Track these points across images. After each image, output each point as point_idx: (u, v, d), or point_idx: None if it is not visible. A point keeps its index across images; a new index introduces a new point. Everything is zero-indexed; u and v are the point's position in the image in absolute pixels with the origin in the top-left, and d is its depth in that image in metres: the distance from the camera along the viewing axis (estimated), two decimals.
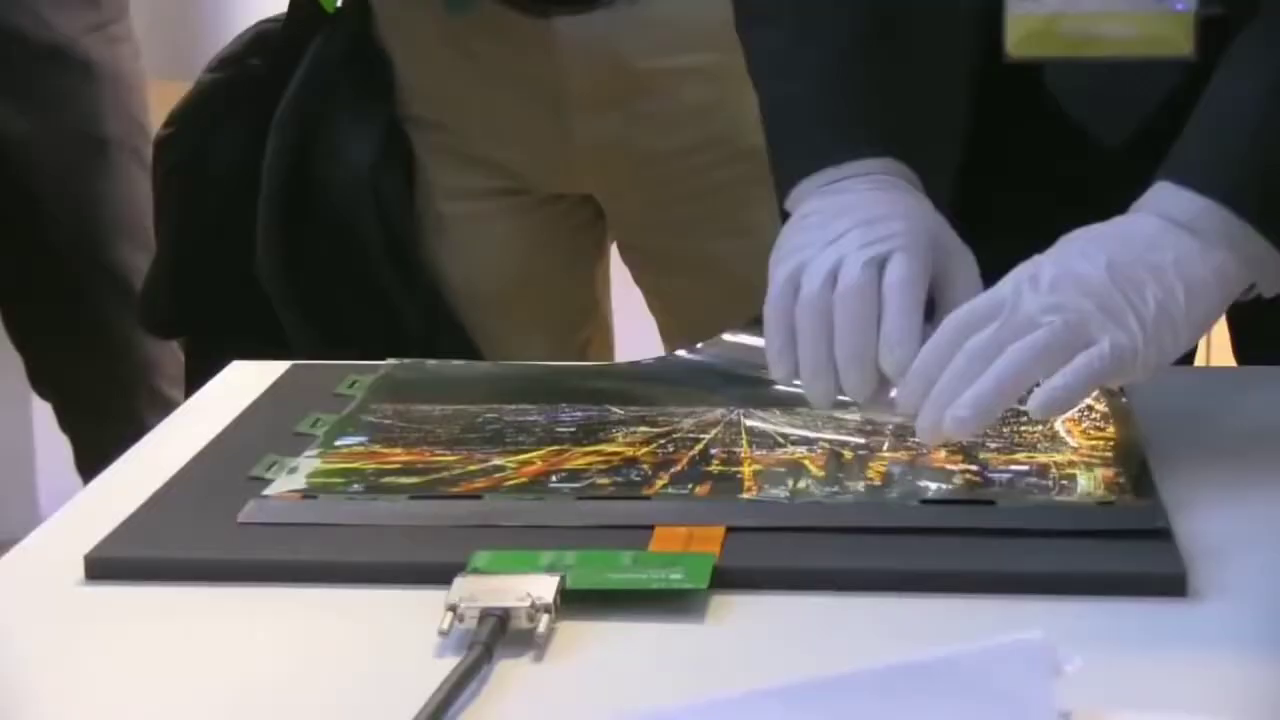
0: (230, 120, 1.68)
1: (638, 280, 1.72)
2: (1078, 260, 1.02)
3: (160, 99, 2.04)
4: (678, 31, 1.42)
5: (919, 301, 1.04)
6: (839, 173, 1.13)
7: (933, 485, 1.04)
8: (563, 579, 0.92)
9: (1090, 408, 1.14)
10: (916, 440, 1.05)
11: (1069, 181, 1.06)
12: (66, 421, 2.20)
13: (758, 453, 1.09)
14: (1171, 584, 0.94)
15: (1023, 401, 1.02)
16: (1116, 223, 1.05)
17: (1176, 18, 1.17)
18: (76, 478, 2.08)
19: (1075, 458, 1.07)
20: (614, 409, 1.17)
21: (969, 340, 1.01)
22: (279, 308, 1.63)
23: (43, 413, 2.44)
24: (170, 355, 2.13)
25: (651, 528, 1.00)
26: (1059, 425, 1.12)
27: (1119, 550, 0.97)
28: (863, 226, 1.07)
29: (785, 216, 1.16)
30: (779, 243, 1.11)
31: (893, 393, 1.04)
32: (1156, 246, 1.02)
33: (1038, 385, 1.01)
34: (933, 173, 1.21)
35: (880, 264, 1.05)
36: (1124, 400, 1.15)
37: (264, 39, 1.69)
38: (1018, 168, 1.29)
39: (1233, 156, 1.06)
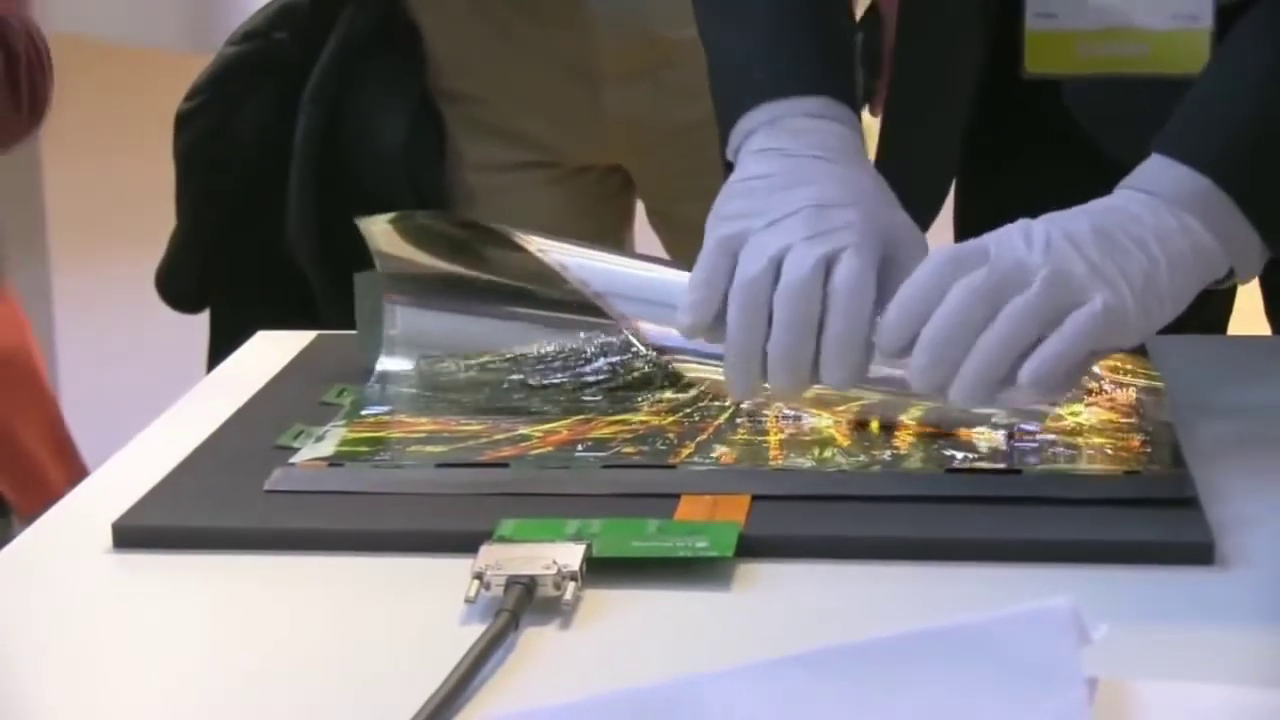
0: (256, 94, 1.68)
1: (667, 247, 1.73)
2: (1063, 222, 1.01)
3: (183, 72, 2.04)
4: None
5: (868, 304, 1.00)
6: (773, 111, 1.10)
7: (958, 454, 1.04)
8: (589, 547, 0.92)
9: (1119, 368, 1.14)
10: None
11: (1084, 199, 1.05)
12: None
13: (783, 422, 1.09)
14: (1199, 553, 0.94)
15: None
16: (1096, 202, 1.04)
17: (1192, 35, 1.17)
18: (101, 447, 2.07)
19: (1101, 424, 1.07)
20: (638, 363, 1.16)
21: (959, 281, 0.98)
22: (313, 278, 1.63)
23: (70, 389, 2.44)
24: None
25: (677, 496, 1.00)
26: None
27: (1146, 519, 0.96)
28: (813, 210, 1.03)
29: (728, 170, 1.12)
30: (718, 203, 1.07)
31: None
32: (1136, 220, 1.01)
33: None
34: (928, 181, 1.20)
35: (828, 260, 1.01)
36: (1150, 365, 1.15)
37: (290, 12, 1.69)
38: (1033, 184, 1.28)
39: (1221, 132, 1.06)
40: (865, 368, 1.00)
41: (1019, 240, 0.99)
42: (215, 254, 1.72)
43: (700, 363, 1.08)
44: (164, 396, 1.33)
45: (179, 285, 1.76)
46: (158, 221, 1.99)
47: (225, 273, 1.72)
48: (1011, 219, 1.04)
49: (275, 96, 1.66)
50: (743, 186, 1.07)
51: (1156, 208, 1.02)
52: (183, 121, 1.72)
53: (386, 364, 1.17)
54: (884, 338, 0.99)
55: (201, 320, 1.81)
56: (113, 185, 2.81)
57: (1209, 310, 1.35)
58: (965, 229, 1.15)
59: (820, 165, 1.07)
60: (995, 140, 1.32)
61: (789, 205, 1.04)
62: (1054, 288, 0.97)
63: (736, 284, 1.02)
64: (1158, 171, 1.05)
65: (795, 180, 1.06)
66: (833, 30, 1.16)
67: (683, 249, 1.70)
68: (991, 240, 1.00)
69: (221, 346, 1.69)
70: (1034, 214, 1.03)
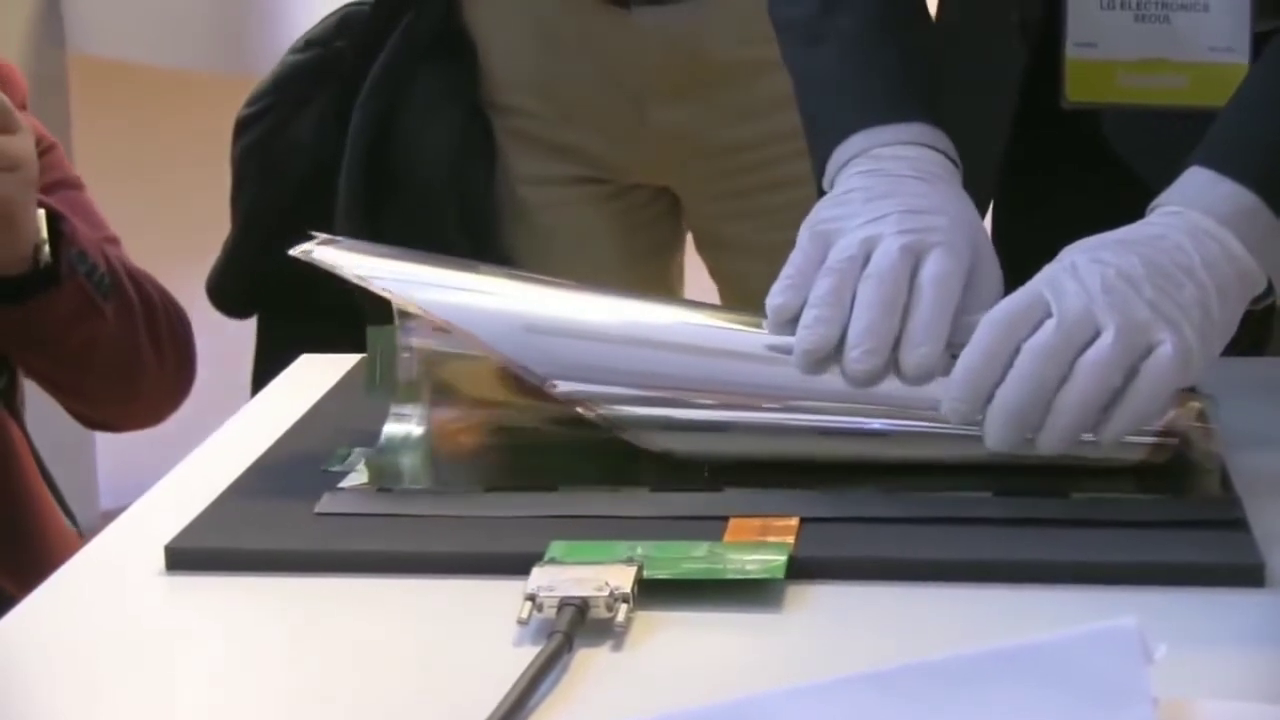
0: (314, 101, 1.70)
1: (713, 272, 1.73)
2: (1113, 259, 1.00)
3: (222, 94, 2.06)
4: (756, 23, 1.43)
5: (954, 301, 1.01)
6: (873, 138, 1.11)
7: (1006, 477, 1.04)
8: (640, 569, 0.93)
9: None
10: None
11: (1122, 225, 1.05)
12: None
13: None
14: (1249, 574, 0.94)
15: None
16: (1136, 227, 1.04)
17: (1229, 69, 1.18)
18: (137, 475, 2.08)
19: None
20: None
21: (1029, 342, 0.97)
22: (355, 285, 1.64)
23: None
24: None
25: (726, 519, 1.00)
26: None
27: (1195, 541, 0.96)
28: (905, 214, 1.05)
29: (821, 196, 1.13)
30: (813, 213, 1.08)
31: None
32: (1182, 249, 1.01)
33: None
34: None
35: (917, 254, 1.03)
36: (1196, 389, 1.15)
37: (350, 22, 1.71)
38: (1071, 210, 1.28)
39: (1267, 147, 1.06)
40: (944, 357, 1.00)
41: (1072, 285, 0.99)
42: (265, 260, 1.72)
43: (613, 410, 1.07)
44: (205, 415, 1.34)
45: (229, 291, 1.77)
46: (193, 243, 2.00)
47: (274, 279, 1.72)
48: (1050, 244, 1.04)
49: (332, 104, 1.68)
50: (838, 198, 1.08)
51: (1197, 231, 1.02)
52: (242, 127, 1.74)
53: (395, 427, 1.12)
54: (954, 406, 0.98)
55: (241, 340, 1.82)
56: (146, 207, 2.81)
57: (1248, 332, 1.35)
58: (1003, 254, 1.15)
59: (914, 182, 1.08)
60: (1033, 168, 1.32)
61: (881, 210, 1.05)
62: (1127, 337, 0.97)
63: (826, 264, 1.02)
64: (1200, 186, 1.05)
65: (889, 191, 1.07)
66: (916, 45, 1.17)
67: (727, 271, 1.71)
68: (1046, 288, 0.99)
69: (267, 355, 1.71)
70: (1072, 239, 1.04)
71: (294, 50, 1.74)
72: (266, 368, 1.67)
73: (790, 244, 1.06)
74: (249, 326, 1.82)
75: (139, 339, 1.45)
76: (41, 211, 1.38)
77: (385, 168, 1.64)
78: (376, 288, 1.09)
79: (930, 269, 1.02)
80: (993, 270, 1.06)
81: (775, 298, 1.04)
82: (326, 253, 1.12)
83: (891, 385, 1.01)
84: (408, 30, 1.65)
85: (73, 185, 1.49)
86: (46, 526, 1.43)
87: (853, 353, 1.00)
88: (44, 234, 1.38)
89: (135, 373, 1.47)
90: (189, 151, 2.71)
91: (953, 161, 1.12)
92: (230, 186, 1.77)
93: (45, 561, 1.34)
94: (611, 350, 1.07)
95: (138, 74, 2.69)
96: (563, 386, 1.06)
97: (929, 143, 1.12)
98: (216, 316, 1.90)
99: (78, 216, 1.43)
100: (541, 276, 1.16)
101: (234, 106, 1.78)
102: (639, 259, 1.70)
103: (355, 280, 1.10)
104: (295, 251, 1.12)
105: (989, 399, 0.97)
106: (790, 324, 1.03)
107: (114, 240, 1.49)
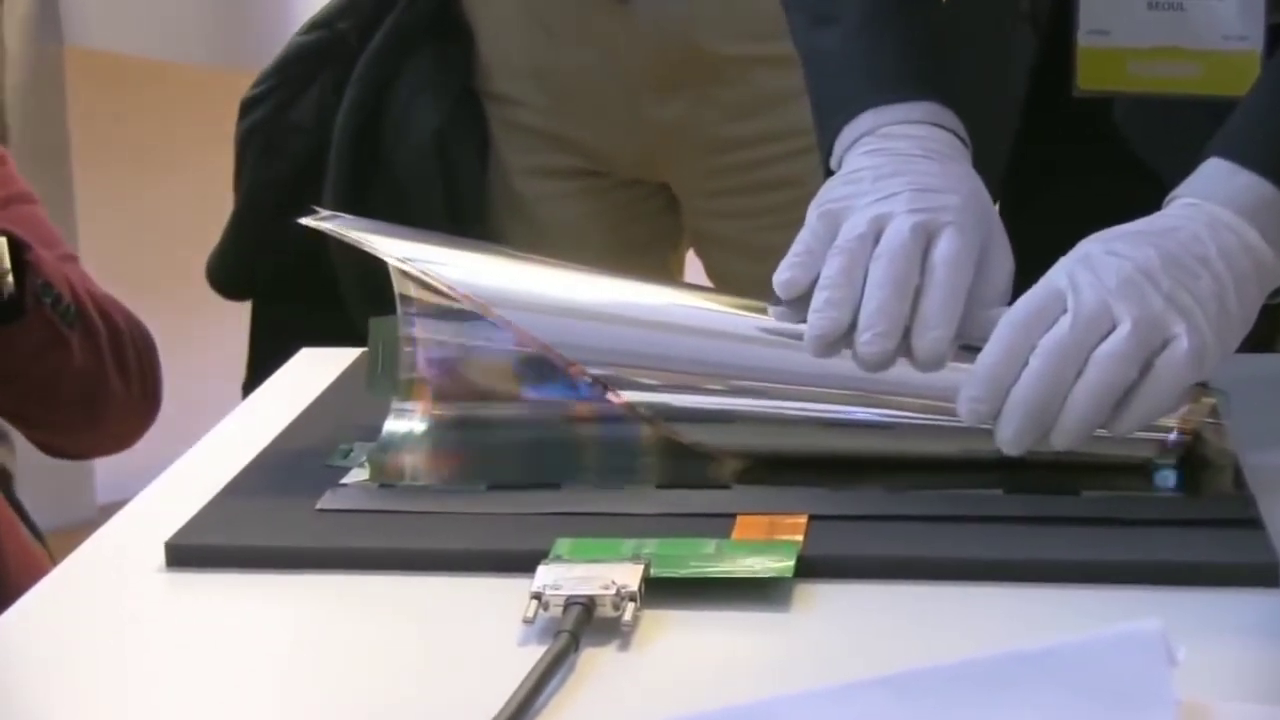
0: (316, 81, 1.69)
1: (709, 271, 1.72)
2: (1128, 251, 1.00)
3: (219, 88, 2.05)
4: (755, 19, 1.42)
5: (966, 283, 1.01)
6: (882, 116, 1.10)
7: (1016, 474, 1.03)
8: (647, 567, 0.92)
9: None
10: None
11: (1134, 215, 1.04)
12: None
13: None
14: (1263, 573, 0.93)
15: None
16: (1153, 219, 1.03)
17: (1243, 57, 1.17)
18: (134, 470, 2.06)
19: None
20: None
21: (1044, 340, 0.96)
22: (337, 265, 1.63)
23: None
24: None
25: (733, 516, 0.99)
26: None
27: (1208, 540, 0.95)
28: (915, 192, 1.04)
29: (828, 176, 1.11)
30: (821, 193, 1.07)
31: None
32: (1199, 239, 1.00)
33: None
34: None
35: (929, 233, 1.02)
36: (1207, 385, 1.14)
37: (355, 3, 1.71)
38: (1082, 199, 1.28)
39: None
40: (953, 342, 0.99)
41: (1087, 278, 0.98)
42: (264, 242, 1.72)
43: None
44: (205, 409, 1.33)
45: (227, 272, 1.76)
46: (190, 236, 1.99)
47: (272, 261, 1.72)
48: (1058, 235, 1.03)
49: (333, 84, 1.68)
50: (846, 176, 1.07)
51: (1214, 223, 1.02)
52: (246, 108, 1.74)
53: (396, 423, 1.09)
54: (973, 406, 0.97)
55: (242, 331, 1.81)
56: (143, 200, 2.80)
57: (1258, 328, 1.34)
58: (1012, 244, 1.14)
59: (924, 160, 1.07)
60: (1044, 156, 1.31)
61: (891, 188, 1.04)
62: (1142, 331, 0.96)
63: (836, 244, 1.01)
64: (1218, 177, 1.04)
65: (898, 170, 1.06)
66: (925, 25, 1.16)
67: (723, 271, 1.70)
68: (1062, 281, 0.98)
69: (261, 342, 1.70)
70: (1083, 229, 1.03)
71: (301, 32, 1.75)
72: (261, 356, 1.66)
73: (785, 246, 1.05)
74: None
75: (105, 368, 1.41)
76: (2, 239, 1.32)
77: (373, 146, 1.64)
78: (402, 265, 1.08)
79: (942, 249, 1.01)
80: (1003, 250, 1.05)
81: (783, 273, 1.03)
82: (341, 225, 1.10)
83: (903, 370, 1.00)
84: (405, 11, 1.65)
85: (25, 200, 1.43)
86: (7, 544, 1.40)
87: (864, 335, 0.99)
88: (6, 263, 1.32)
89: (102, 402, 1.43)
90: (186, 145, 2.71)
91: (962, 140, 1.11)
92: (233, 169, 1.76)
93: (7, 581, 1.32)
94: (646, 336, 1.07)
95: (135, 67, 2.68)
96: (595, 371, 1.06)
97: (938, 121, 1.11)
98: (215, 310, 1.89)
99: (32, 234, 1.37)
100: (563, 261, 1.14)
101: (231, 100, 1.78)
102: (636, 256, 1.70)
103: (369, 250, 1.09)
104: (307, 221, 1.10)
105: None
106: (799, 301, 1.02)
107: (72, 258, 1.45)
